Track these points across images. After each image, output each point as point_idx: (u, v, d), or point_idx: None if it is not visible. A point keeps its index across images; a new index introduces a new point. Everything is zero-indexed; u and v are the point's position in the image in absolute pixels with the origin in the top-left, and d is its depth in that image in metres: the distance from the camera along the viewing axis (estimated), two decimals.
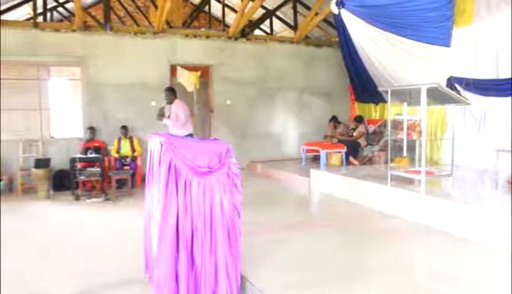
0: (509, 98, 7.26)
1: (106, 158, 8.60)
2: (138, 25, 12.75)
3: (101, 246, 4.93)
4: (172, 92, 7.14)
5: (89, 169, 7.87)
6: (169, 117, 7.04)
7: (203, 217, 3.19)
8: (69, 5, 12.36)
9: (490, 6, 7.25)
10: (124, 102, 9.54)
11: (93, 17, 11.98)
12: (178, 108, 6.95)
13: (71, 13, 12.39)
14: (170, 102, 7.07)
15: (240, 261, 3.41)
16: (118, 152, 8.87)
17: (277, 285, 3.55)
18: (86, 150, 8.30)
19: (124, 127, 8.99)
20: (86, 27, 9.39)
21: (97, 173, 7.81)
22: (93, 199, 7.49)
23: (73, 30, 9.19)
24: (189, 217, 3.17)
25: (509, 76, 7.16)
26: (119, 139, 8.98)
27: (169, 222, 3.14)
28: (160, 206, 3.16)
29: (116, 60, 9.48)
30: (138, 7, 13.94)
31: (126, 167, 8.56)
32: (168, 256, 3.14)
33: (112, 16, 12.02)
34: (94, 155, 8.08)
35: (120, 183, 8.18)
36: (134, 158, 8.86)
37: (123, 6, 13.77)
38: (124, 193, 7.88)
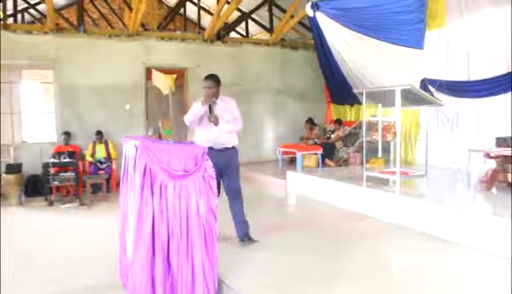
0: (481, 99, 7.43)
1: (80, 163, 8.46)
2: (112, 27, 12.65)
3: (75, 252, 4.84)
4: (218, 82, 4.62)
5: (62, 174, 7.74)
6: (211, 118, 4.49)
7: (179, 220, 3.16)
8: (41, 7, 12.13)
9: (461, 9, 7.40)
10: (98, 105, 9.41)
11: (66, 19, 11.81)
12: (233, 106, 4.74)
13: (43, 15, 12.17)
14: (213, 95, 4.53)
15: (217, 265, 3.39)
16: (93, 156, 8.73)
17: (254, 287, 3.54)
18: (59, 155, 8.15)
19: (99, 133, 8.85)
20: (58, 30, 9.24)
21: (70, 177, 7.67)
22: (67, 205, 7.36)
23: (45, 33, 9.02)
24: (165, 220, 3.14)
25: (480, 78, 7.33)
26: (94, 143, 8.84)
27: (144, 226, 3.10)
28: (135, 210, 3.12)
29: (90, 63, 9.34)
30: (112, 9, 13.79)
31: (101, 171, 8.44)
32: (144, 260, 3.11)
33: (86, 19, 11.85)
34: (67, 159, 7.94)
35: (95, 188, 8.06)
36: (109, 162, 8.73)
37: (97, 8, 13.60)
38: (99, 198, 7.77)
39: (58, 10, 12.36)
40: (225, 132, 4.55)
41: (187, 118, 4.63)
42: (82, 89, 9.29)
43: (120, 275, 3.78)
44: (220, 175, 4.41)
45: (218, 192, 4.20)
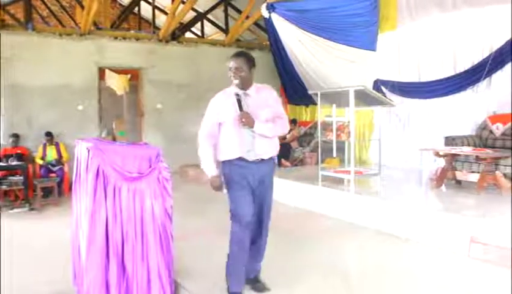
0: (431, 100, 7.69)
1: (30, 166, 8.15)
2: (63, 25, 12.28)
3: (25, 258, 4.66)
4: (251, 62, 3.30)
5: (10, 177, 7.42)
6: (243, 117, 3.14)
7: (133, 223, 3.10)
8: None
9: (412, 13, 7.64)
10: (49, 106, 9.11)
11: (12, 16, 11.33)
12: (274, 98, 3.41)
13: None
14: (245, 84, 3.28)
15: (173, 267, 3.34)
16: (43, 159, 8.43)
17: (211, 290, 3.52)
18: (7, 158, 7.81)
19: (49, 134, 8.53)
20: (4, 26, 8.88)
21: (19, 181, 7.36)
22: (16, 210, 7.06)
23: None
24: (119, 223, 3.07)
25: (430, 80, 7.60)
26: (44, 145, 8.53)
27: (98, 230, 3.02)
28: (88, 214, 3.03)
29: (39, 62, 9.03)
30: (62, 7, 13.38)
31: (52, 175, 8.16)
32: (97, 265, 3.02)
33: (35, 16, 11.45)
34: (16, 162, 7.63)
35: (47, 191, 7.77)
36: (61, 165, 8.44)
37: (46, 5, 13.15)
38: (50, 202, 7.50)
39: (3, 6, 11.86)
40: (262, 137, 3.22)
41: (203, 134, 3.37)
42: (32, 89, 8.96)
43: (74, 281, 3.66)
44: (252, 194, 3.34)
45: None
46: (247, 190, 3.28)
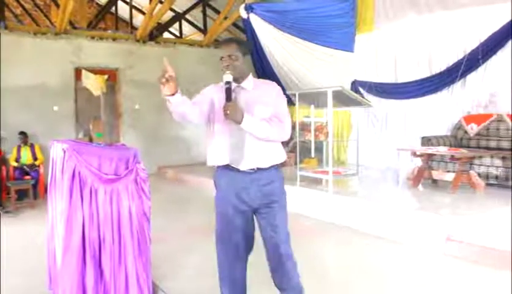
0: (407, 100, 7.80)
1: (4, 168, 7.98)
2: (37, 25, 12.06)
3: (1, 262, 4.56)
4: (243, 47, 2.69)
5: None
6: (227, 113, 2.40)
7: (110, 225, 3.06)
8: None
9: (388, 15, 7.74)
10: (23, 107, 8.91)
11: None
12: (276, 94, 2.64)
13: None
14: (239, 74, 2.62)
15: (151, 269, 3.31)
16: (18, 161, 8.26)
17: (189, 290, 3.50)
18: None
19: (23, 133, 8.36)
20: None
21: None
22: None
23: None
24: (96, 226, 3.03)
25: (407, 81, 7.71)
26: (19, 146, 8.36)
27: (74, 233, 2.97)
28: (64, 217, 2.98)
29: (13, 61, 8.82)
30: (37, 5, 13.14)
31: (27, 177, 8.00)
32: (74, 269, 2.97)
33: (8, 14, 11.21)
34: None
35: (21, 194, 7.62)
36: (36, 167, 8.29)
37: (20, 3, 12.89)
38: (25, 205, 7.35)
39: None
40: (254, 138, 2.50)
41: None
42: (5, 89, 8.75)
43: (50, 285, 3.59)
44: (251, 212, 2.65)
45: (252, 242, 2.86)
46: (241, 216, 2.62)
